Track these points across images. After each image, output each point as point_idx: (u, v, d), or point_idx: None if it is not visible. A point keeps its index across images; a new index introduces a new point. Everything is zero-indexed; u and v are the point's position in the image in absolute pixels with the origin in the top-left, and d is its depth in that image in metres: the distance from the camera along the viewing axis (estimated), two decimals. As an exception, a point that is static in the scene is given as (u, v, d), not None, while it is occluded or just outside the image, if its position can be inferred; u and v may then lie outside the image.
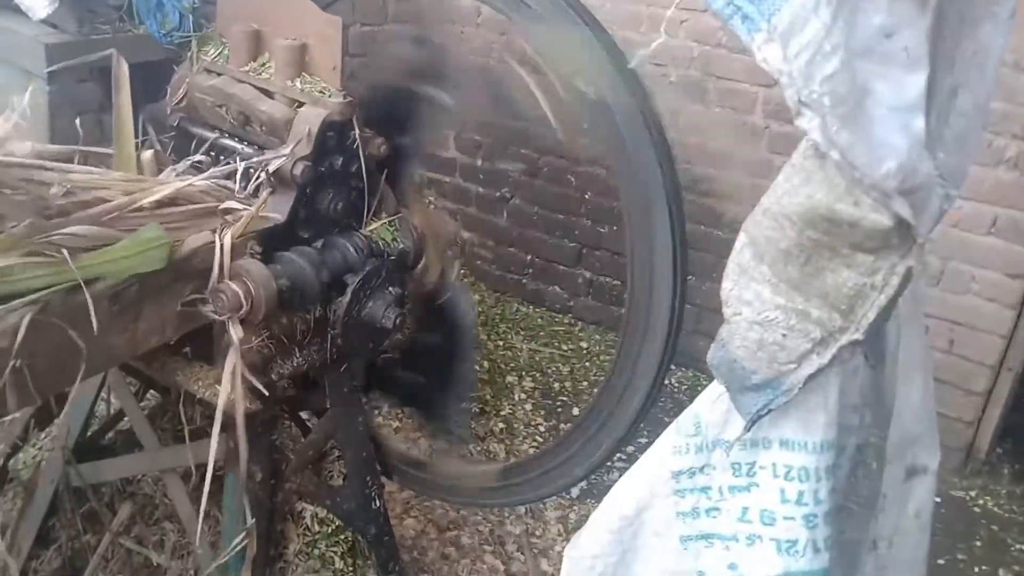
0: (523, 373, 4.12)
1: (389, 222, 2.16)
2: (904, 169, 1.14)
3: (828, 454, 1.36)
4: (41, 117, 2.03)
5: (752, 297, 1.36)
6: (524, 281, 4.68)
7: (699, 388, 3.95)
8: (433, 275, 2.28)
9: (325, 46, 1.99)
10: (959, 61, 1.49)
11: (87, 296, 1.54)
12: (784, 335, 1.28)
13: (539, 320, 4.59)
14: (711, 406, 1.45)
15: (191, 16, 2.17)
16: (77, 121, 1.93)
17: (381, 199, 2.17)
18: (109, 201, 1.69)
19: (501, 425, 3.72)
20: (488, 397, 3.88)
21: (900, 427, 1.61)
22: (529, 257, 4.63)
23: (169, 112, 2.16)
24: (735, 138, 3.86)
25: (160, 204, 1.79)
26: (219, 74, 2.11)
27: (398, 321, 2.04)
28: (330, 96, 1.99)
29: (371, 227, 2.14)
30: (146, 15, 2.14)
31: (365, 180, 2.09)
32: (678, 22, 3.85)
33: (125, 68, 1.92)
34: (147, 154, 1.96)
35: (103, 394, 2.59)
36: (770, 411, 1.29)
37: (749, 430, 1.32)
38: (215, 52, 2.14)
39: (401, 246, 2.17)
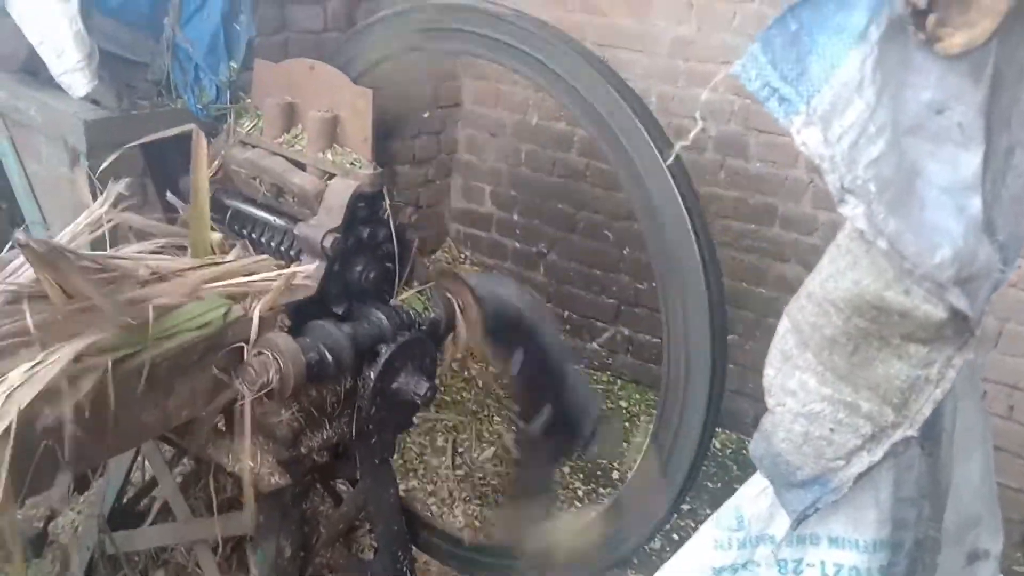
0: (561, 433, 4.04)
1: (420, 291, 2.12)
2: (960, 257, 1.07)
3: (881, 553, 1.27)
4: (80, 192, 2.04)
5: (796, 387, 1.29)
6: (562, 338, 4.61)
7: (744, 452, 3.85)
8: (466, 342, 2.24)
9: (356, 118, 1.98)
10: (1016, 118, 1.43)
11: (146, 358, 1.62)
12: (832, 429, 1.21)
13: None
14: (754, 500, 1.37)
15: (228, 89, 2.18)
16: (123, 185, 1.94)
17: (413, 268, 2.14)
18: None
19: (538, 488, 3.64)
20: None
21: (958, 509, 1.51)
22: (567, 313, 4.57)
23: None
24: (777, 193, 3.79)
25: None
26: (253, 146, 2.11)
27: (429, 394, 1.99)
28: (361, 167, 1.98)
29: (402, 296, 2.11)
30: (183, 89, 2.16)
31: (396, 250, 2.06)
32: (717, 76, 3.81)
33: (203, 144, 1.96)
34: (215, 236, 2.00)
35: (139, 461, 2.58)
36: (817, 510, 1.21)
37: (795, 528, 1.25)
38: (250, 124, 2.15)
39: (433, 315, 2.13)
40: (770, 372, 1.33)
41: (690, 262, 1.95)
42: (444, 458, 3.66)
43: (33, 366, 1.49)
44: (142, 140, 2.01)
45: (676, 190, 1.90)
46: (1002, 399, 3.32)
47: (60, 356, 1.51)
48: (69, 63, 1.91)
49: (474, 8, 2.12)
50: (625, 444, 3.97)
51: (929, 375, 1.18)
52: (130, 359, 1.65)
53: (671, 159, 1.59)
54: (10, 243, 1.63)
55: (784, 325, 1.31)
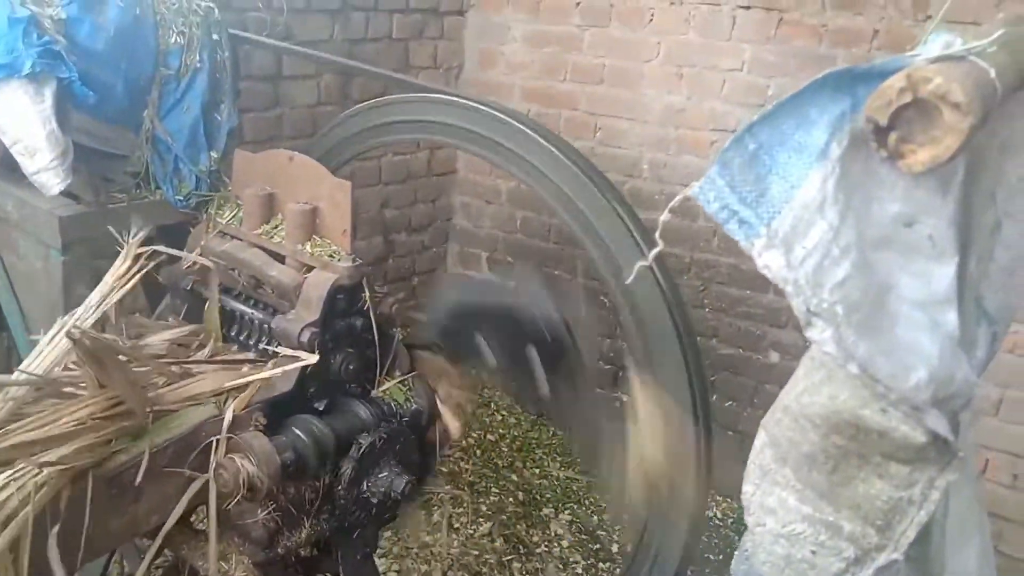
0: (560, 505, 3.96)
1: (402, 382, 2.08)
2: (936, 378, 1.03)
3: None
4: (56, 287, 2.02)
5: (776, 504, 1.24)
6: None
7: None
8: (453, 431, 2.19)
9: (336, 210, 1.97)
10: (1002, 191, 1.41)
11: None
12: (814, 552, 1.16)
13: (576, 444, 4.45)
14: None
15: (208, 179, 2.17)
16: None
17: (395, 358, 2.10)
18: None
19: (537, 565, 3.55)
20: (523, 534, 3.72)
21: (955, 603, 1.45)
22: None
23: (184, 274, 2.14)
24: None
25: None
26: (233, 237, 2.10)
27: (408, 489, 1.94)
28: (340, 260, 1.95)
29: (384, 387, 2.07)
30: (162, 180, 2.15)
31: (377, 341, 2.03)
32: (708, 143, 3.83)
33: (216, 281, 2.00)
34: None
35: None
36: (800, 636, 1.16)
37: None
38: (230, 214, 2.13)
39: (415, 407, 2.09)
40: (748, 488, 1.29)
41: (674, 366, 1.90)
42: (440, 535, 3.59)
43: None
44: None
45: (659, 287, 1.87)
46: (1005, 468, 3.25)
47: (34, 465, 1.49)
48: (42, 162, 1.90)
49: (450, 102, 2.12)
50: (626, 515, 3.88)
51: (912, 496, 1.13)
52: (107, 462, 1.63)
53: (630, 278, 1.55)
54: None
55: (761, 439, 1.27)
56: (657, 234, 1.07)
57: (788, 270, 0.98)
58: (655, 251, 1.08)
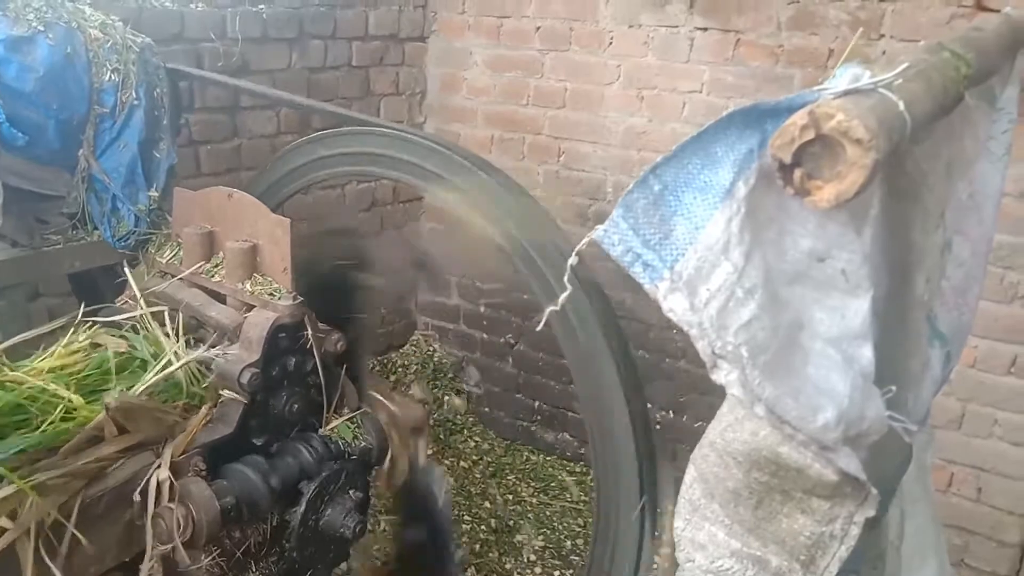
0: (533, 531, 3.92)
1: (350, 419, 2.05)
2: (845, 417, 1.01)
3: None
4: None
5: (706, 540, 1.21)
6: (533, 428, 4.52)
7: None
8: (402, 467, 2.15)
9: (275, 247, 1.94)
10: (952, 211, 1.40)
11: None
12: (740, 589, 1.13)
13: (550, 469, 4.41)
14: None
15: (147, 218, 2.14)
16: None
17: (342, 395, 2.07)
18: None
19: (510, 595, 3.51)
20: (495, 562, 3.68)
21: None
22: (537, 404, 4.49)
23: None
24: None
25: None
26: (172, 276, 2.06)
27: (358, 529, 1.91)
28: (280, 298, 1.92)
29: (332, 425, 2.04)
30: (99, 220, 2.11)
31: (322, 379, 1.99)
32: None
33: None
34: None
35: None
36: None
37: None
38: (171, 253, 2.10)
39: (363, 444, 2.05)
40: (679, 524, 1.26)
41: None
42: None
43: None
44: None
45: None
46: (970, 482, 3.23)
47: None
48: (-31, 209, 1.87)
49: (388, 134, 2.10)
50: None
51: (833, 531, 1.10)
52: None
53: (540, 324, 1.53)
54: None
55: (691, 474, 1.24)
56: (566, 278, 1.04)
57: (692, 313, 0.95)
58: (564, 295, 1.05)
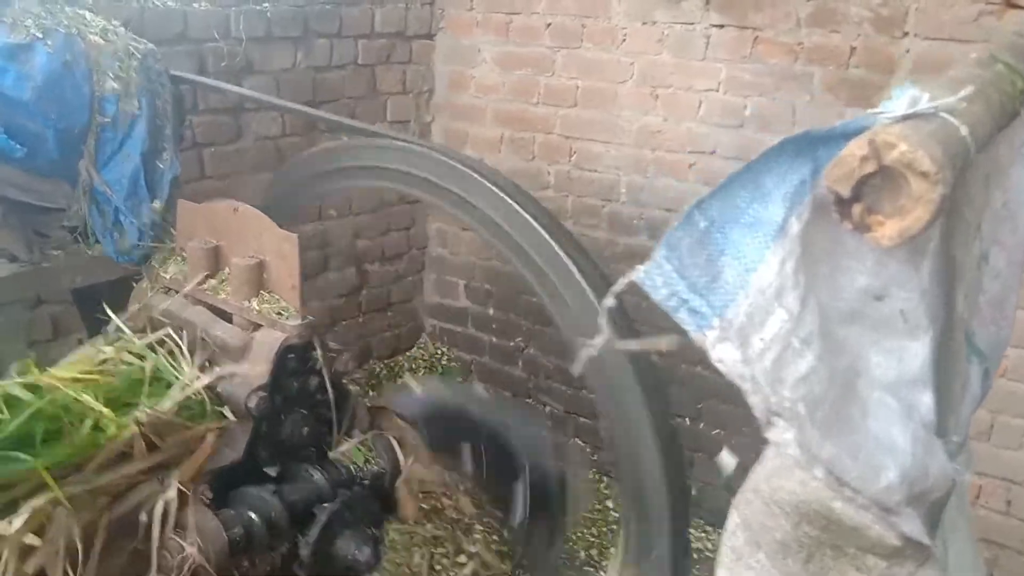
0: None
1: (361, 442, 1.97)
2: (909, 476, 0.93)
3: None
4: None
5: (749, 589, 1.14)
6: (543, 433, 4.44)
7: None
8: (409, 512, 2.07)
9: (283, 264, 1.86)
10: (988, 221, 1.31)
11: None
12: (788, 649, 1.05)
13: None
14: None
15: (151, 231, 2.06)
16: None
17: (353, 416, 1.99)
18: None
19: (523, 607, 3.43)
20: (507, 573, 3.60)
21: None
22: (548, 409, 4.41)
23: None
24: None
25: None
26: (177, 292, 1.98)
27: (372, 560, 1.83)
28: (289, 318, 1.84)
29: (342, 448, 1.96)
30: (101, 234, 2.04)
31: (332, 401, 1.92)
32: (687, 165, 3.73)
33: None
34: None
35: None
36: None
37: None
38: (175, 268, 2.02)
39: (375, 468, 1.97)
40: (721, 572, 1.18)
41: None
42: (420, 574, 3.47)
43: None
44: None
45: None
46: (999, 494, 3.15)
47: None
48: (-34, 225, 1.79)
49: (405, 148, 2.01)
50: (613, 549, 3.77)
51: (891, 590, 1.02)
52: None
53: (577, 367, 1.44)
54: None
55: (733, 520, 1.16)
56: (603, 320, 0.96)
57: (744, 365, 0.87)
58: (600, 338, 0.97)
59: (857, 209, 0.91)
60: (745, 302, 0.87)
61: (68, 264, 2.01)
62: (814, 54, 3.36)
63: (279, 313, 1.86)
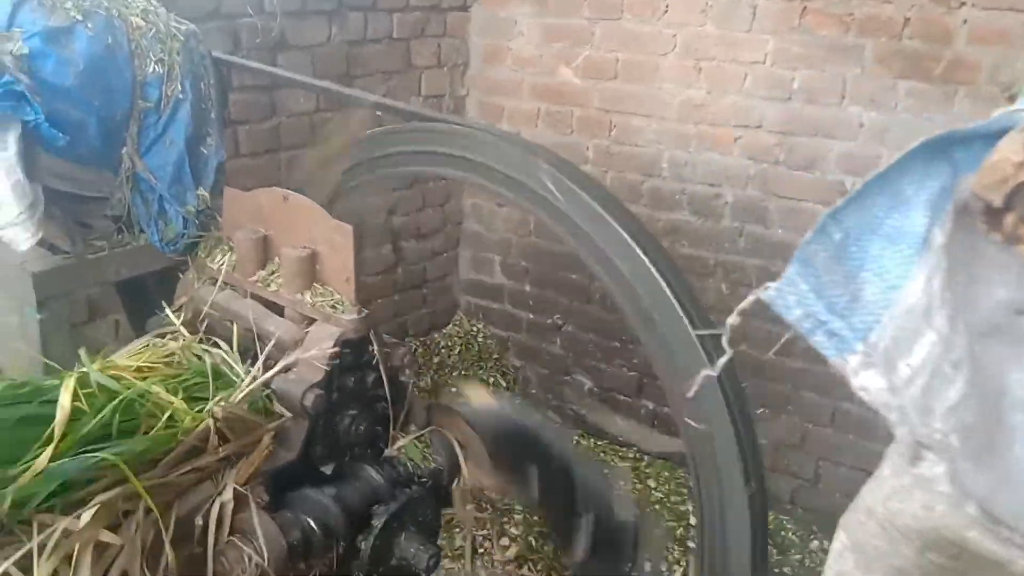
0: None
1: (418, 438, 1.90)
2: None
3: None
4: (33, 345, 1.84)
5: (859, 616, 1.06)
6: (583, 412, 4.38)
7: (783, 531, 3.56)
8: (477, 476, 2.01)
9: (336, 255, 1.78)
10: None
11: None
12: None
13: (601, 454, 4.27)
14: None
15: (196, 220, 1.98)
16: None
17: (409, 411, 1.92)
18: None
19: (564, 590, 3.39)
20: (551, 556, 3.55)
21: None
22: (587, 386, 4.35)
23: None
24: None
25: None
26: (225, 284, 1.91)
27: (432, 563, 1.77)
28: (344, 311, 1.77)
29: (399, 444, 1.89)
30: (146, 223, 1.96)
31: (388, 396, 1.85)
32: (732, 140, 3.62)
33: None
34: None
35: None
36: None
37: None
38: (222, 259, 1.95)
39: (433, 465, 1.91)
40: (827, 598, 1.11)
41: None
42: (464, 562, 3.42)
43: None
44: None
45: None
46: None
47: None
48: (8, 217, 1.71)
49: (468, 134, 1.92)
50: (657, 531, 3.71)
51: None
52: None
53: (692, 391, 1.34)
54: None
55: (841, 541, 1.08)
56: (724, 340, 0.88)
57: (891, 394, 0.79)
58: (723, 359, 0.89)
59: (1010, 219, 0.82)
60: (891, 324, 0.79)
61: (112, 255, 1.93)
62: (866, 25, 3.23)
63: (333, 306, 1.78)
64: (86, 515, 1.34)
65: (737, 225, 3.67)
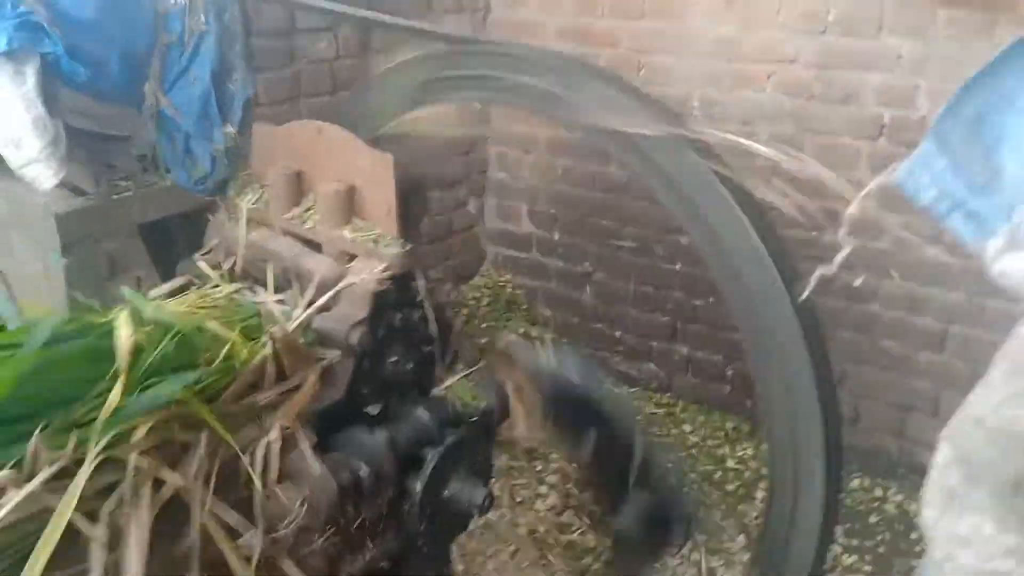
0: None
1: (466, 377, 1.83)
2: None
3: None
4: (58, 291, 1.78)
5: (969, 533, 0.99)
6: (616, 360, 4.31)
7: (888, 501, 3.49)
8: (528, 425, 1.94)
9: (376, 188, 1.70)
10: None
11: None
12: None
13: (635, 402, 4.20)
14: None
15: (225, 158, 1.90)
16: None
17: (456, 350, 1.85)
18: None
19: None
20: (591, 503, 3.50)
21: None
22: (619, 334, 4.27)
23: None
24: (838, 198, 3.45)
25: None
26: (259, 224, 1.84)
27: (487, 503, 1.71)
28: (386, 245, 1.69)
29: (446, 384, 1.83)
30: (173, 163, 1.88)
31: (435, 333, 1.77)
32: (765, 76, 3.49)
33: None
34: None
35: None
36: None
37: None
38: (253, 197, 1.87)
39: (484, 405, 1.84)
40: (930, 513, 1.04)
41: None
42: (502, 511, 3.37)
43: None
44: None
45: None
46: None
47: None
48: (30, 154, 1.63)
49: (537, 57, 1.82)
50: (693, 475, 3.65)
51: None
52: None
53: (806, 291, 1.27)
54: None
55: (944, 454, 1.01)
56: (842, 232, 0.80)
57: (1040, 279, 0.70)
58: (843, 253, 0.80)
59: None
60: (1039, 199, 0.70)
61: (139, 196, 1.86)
62: (912, -50, 3.10)
63: (375, 241, 1.71)
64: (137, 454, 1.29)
65: (771, 164, 3.56)
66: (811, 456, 1.64)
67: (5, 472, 1.12)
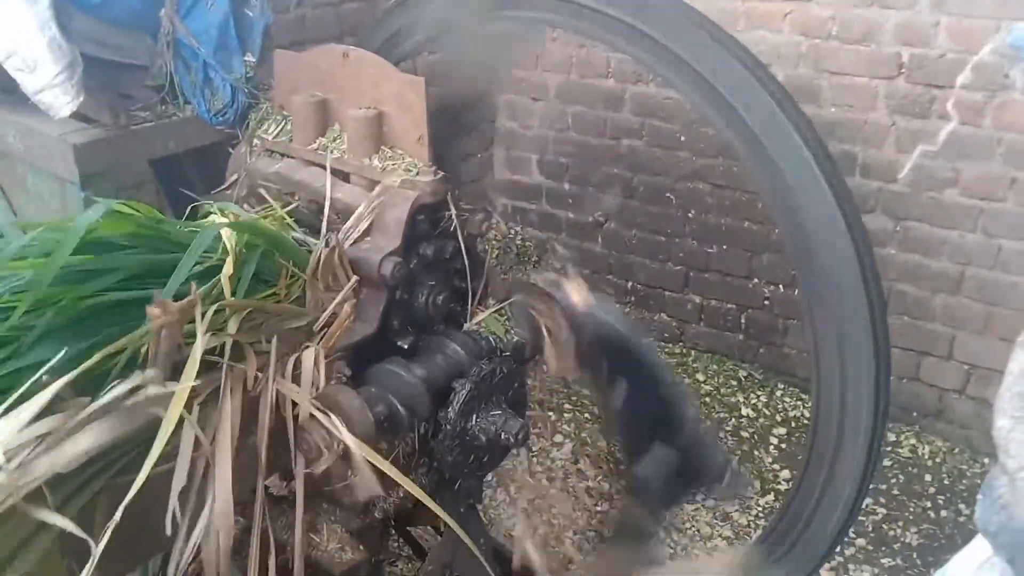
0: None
1: (498, 311, 1.79)
2: None
3: None
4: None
5: (1045, 443, 0.96)
6: (627, 310, 4.26)
7: (937, 456, 3.46)
8: (559, 365, 1.90)
9: (407, 113, 1.64)
10: None
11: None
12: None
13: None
14: (976, 573, 1.06)
15: (245, 88, 1.83)
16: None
17: (488, 284, 1.80)
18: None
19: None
20: (605, 451, 3.49)
21: None
22: (631, 284, 4.22)
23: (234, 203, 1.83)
24: (855, 139, 3.39)
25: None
26: (283, 155, 1.77)
27: (521, 436, 1.67)
28: (418, 173, 1.63)
29: (478, 319, 1.78)
30: (191, 93, 1.81)
31: (467, 266, 1.72)
32: (781, 16, 3.41)
33: None
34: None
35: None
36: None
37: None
38: (276, 128, 1.80)
39: (516, 339, 1.79)
40: (1003, 423, 1.00)
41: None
42: (519, 458, 3.34)
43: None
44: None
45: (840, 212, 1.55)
46: None
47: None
48: (45, 78, 1.55)
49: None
50: (708, 422, 3.62)
51: None
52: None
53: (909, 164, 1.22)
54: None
55: (1020, 362, 0.97)
56: (951, 104, 0.74)
57: None
58: (948, 127, 0.75)
59: None
60: None
61: (157, 128, 1.79)
62: None
63: (406, 170, 1.65)
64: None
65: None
66: (860, 410, 1.62)
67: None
